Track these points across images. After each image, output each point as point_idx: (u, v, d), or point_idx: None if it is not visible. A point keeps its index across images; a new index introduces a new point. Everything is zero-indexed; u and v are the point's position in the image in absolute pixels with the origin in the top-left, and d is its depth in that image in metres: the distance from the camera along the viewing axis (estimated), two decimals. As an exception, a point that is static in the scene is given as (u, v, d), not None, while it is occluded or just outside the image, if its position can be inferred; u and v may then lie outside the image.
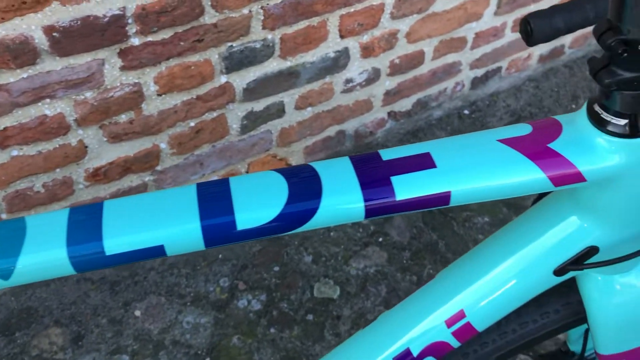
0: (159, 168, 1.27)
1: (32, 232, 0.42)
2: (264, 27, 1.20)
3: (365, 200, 0.44)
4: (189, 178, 1.35)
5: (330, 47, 1.33)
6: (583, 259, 0.52)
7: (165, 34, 1.09)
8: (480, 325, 0.55)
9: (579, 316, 0.62)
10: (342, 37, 1.33)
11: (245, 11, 1.15)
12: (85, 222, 0.42)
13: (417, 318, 0.55)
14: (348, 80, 1.43)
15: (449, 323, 0.55)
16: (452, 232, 1.45)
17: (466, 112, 1.76)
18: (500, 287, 0.54)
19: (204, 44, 1.15)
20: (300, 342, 1.23)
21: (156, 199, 0.44)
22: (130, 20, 1.03)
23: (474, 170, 0.46)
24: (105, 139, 1.16)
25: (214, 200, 0.43)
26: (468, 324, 0.55)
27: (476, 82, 1.72)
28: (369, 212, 0.44)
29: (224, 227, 0.42)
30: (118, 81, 1.10)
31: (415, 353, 0.55)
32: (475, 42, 1.59)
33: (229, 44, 1.18)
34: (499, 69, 1.74)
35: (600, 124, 0.46)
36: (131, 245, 0.42)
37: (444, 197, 0.45)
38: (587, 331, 0.78)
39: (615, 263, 0.52)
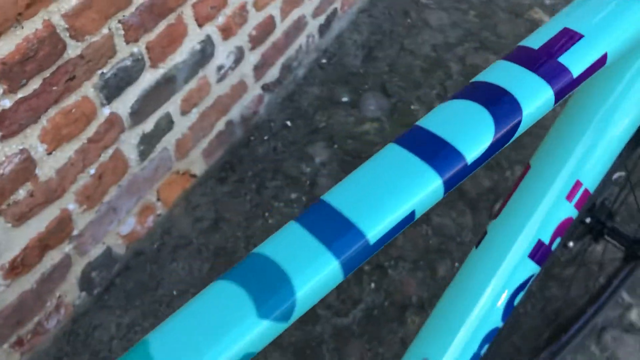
0: (75, 233, 1.13)
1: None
2: (127, 42, 1.10)
3: (552, 87, 0.44)
4: (107, 230, 1.21)
5: (193, 39, 1.26)
6: None
7: (36, 84, 0.95)
8: (593, 187, 0.57)
9: None
10: (200, 26, 1.27)
11: (105, 31, 1.04)
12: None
13: (536, 207, 0.56)
14: (219, 68, 1.37)
15: (570, 197, 0.56)
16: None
17: (324, 61, 1.79)
18: (601, 142, 0.56)
19: (77, 81, 1.02)
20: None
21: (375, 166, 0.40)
22: (-7, 82, 0.88)
23: (619, 26, 0.47)
24: (9, 225, 0.99)
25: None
26: (586, 191, 0.56)
27: (323, 30, 1.75)
28: (557, 96, 0.44)
29: (455, 161, 0.40)
30: (2, 155, 0.94)
31: (547, 241, 0.56)
32: (310, -9, 1.61)
33: (100, 71, 1.06)
34: (335, 10, 1.78)
35: None
36: (388, 222, 0.38)
37: (601, 60, 0.46)
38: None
39: None
